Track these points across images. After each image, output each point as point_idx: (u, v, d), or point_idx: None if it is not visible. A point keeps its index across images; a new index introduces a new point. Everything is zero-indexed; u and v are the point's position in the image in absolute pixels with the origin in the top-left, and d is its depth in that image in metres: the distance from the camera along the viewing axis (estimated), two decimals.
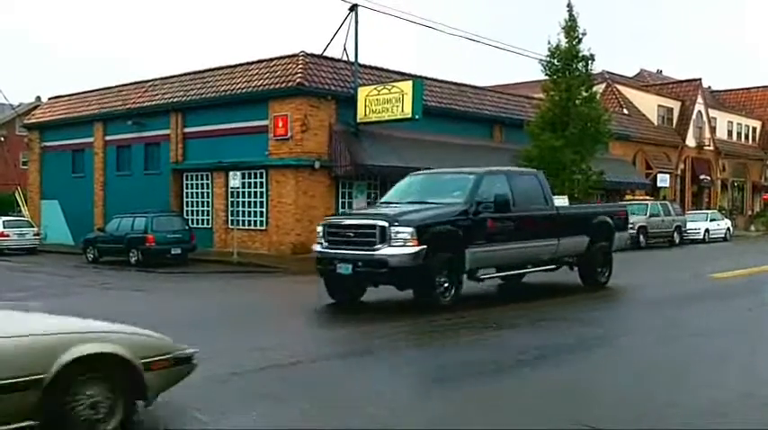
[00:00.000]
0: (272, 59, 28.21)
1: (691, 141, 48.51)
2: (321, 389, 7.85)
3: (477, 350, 9.75)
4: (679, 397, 7.33)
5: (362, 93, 27.08)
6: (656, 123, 46.72)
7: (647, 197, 37.89)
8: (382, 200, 15.62)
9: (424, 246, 12.17)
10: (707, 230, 36.25)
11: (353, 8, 27.03)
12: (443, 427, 6.61)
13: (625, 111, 43.81)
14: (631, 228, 30.01)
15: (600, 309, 13.96)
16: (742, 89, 60.83)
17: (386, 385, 8.04)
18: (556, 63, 31.40)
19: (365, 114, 27.01)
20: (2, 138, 51.20)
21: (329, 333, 11.72)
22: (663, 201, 35.78)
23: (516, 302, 14.31)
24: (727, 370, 8.56)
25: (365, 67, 28.95)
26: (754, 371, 8.61)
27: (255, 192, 27.61)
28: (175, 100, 30.50)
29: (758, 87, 59.70)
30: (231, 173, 26.31)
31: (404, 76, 28.56)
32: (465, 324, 11.70)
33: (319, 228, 13.78)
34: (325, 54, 28.11)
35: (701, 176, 49.25)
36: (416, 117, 26.12)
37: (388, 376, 8.51)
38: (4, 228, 31.65)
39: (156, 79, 32.95)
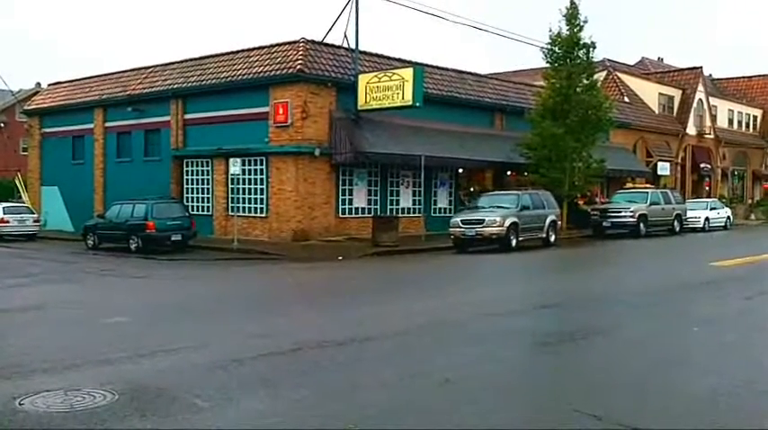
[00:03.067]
0: (272, 46, 28.12)
1: (691, 129, 48.40)
2: (320, 376, 7.86)
3: None
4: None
5: (363, 80, 27.00)
6: (656, 111, 46.59)
7: (648, 185, 37.80)
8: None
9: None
10: (707, 219, 36.20)
11: None
12: None
13: (626, 98, 43.69)
14: (632, 216, 30.46)
15: None
16: (743, 77, 60.63)
17: (380, 372, 8.06)
18: (557, 50, 31.34)
19: (365, 101, 26.95)
20: (2, 125, 51.16)
21: (330, 319, 11.73)
22: (663, 190, 35.72)
23: None
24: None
25: (366, 53, 28.83)
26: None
27: (256, 179, 27.57)
28: (176, 86, 30.42)
29: (759, 76, 59.47)
30: (231, 160, 26.26)
31: (404, 63, 28.43)
32: None
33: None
34: (325, 41, 28.01)
35: (702, 165, 49.16)
36: (417, 104, 26.05)
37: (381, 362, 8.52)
38: (4, 214, 31.60)
39: (156, 66, 32.84)
